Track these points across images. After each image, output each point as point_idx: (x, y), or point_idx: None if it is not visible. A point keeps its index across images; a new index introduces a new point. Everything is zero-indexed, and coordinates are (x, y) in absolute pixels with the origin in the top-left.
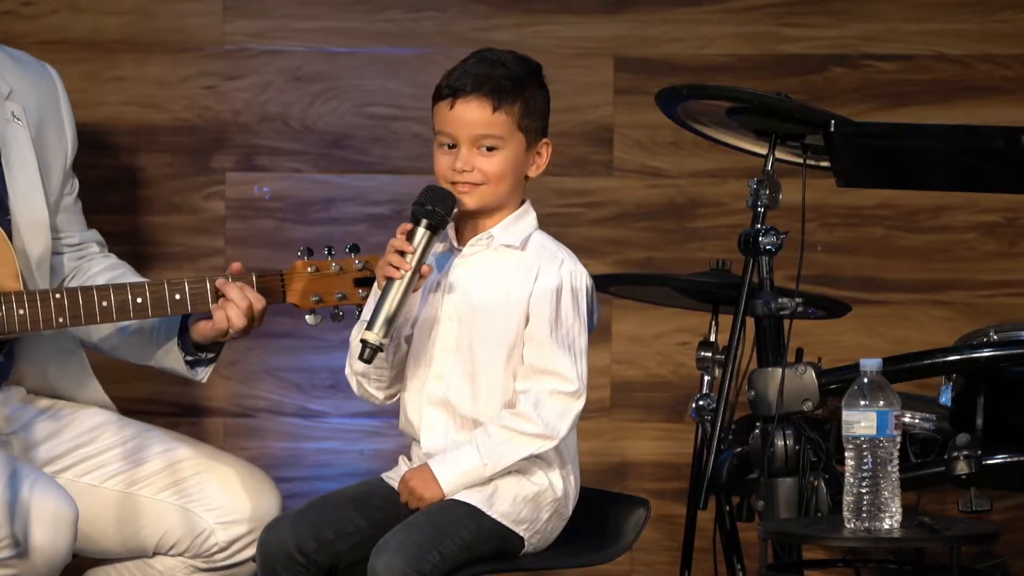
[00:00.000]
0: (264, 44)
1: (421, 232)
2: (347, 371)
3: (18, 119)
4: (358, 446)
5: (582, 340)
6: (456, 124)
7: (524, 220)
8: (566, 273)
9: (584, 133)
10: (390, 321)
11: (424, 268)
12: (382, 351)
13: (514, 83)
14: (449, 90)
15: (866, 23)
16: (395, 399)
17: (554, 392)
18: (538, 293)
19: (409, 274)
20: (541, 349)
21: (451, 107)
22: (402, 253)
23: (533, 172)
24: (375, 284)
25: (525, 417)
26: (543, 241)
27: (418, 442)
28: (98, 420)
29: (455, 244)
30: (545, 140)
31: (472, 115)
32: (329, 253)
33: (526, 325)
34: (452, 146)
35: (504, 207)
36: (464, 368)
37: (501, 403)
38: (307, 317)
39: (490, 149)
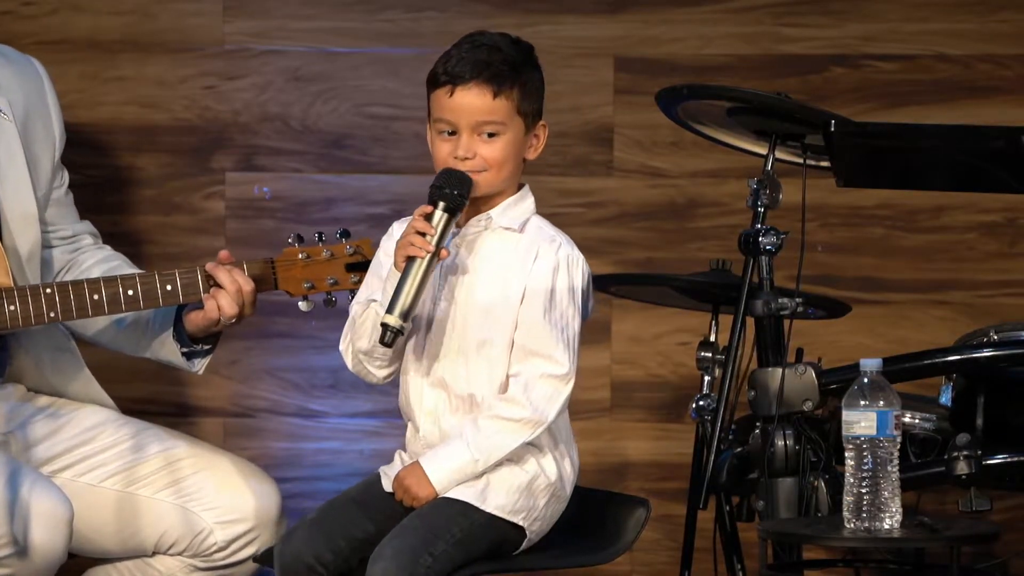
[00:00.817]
0: (264, 44)
1: (439, 214)
2: (342, 346)
3: (4, 114)
4: (358, 446)
5: (575, 324)
6: (457, 111)
7: (523, 204)
8: (563, 257)
9: (584, 133)
10: (411, 304)
11: (442, 252)
12: (403, 334)
13: (512, 68)
14: (448, 77)
15: (866, 23)
16: (391, 378)
17: (544, 375)
18: (535, 275)
19: (429, 255)
20: (533, 330)
21: (451, 94)
22: (422, 235)
23: (531, 155)
24: (371, 270)
25: (514, 402)
26: (541, 225)
27: (415, 425)
28: (97, 419)
29: (454, 225)
30: (542, 123)
31: (473, 102)
32: (320, 239)
33: (520, 307)
34: (452, 133)
35: (504, 190)
36: (460, 348)
37: (496, 384)
38: (300, 304)
39: (491, 135)
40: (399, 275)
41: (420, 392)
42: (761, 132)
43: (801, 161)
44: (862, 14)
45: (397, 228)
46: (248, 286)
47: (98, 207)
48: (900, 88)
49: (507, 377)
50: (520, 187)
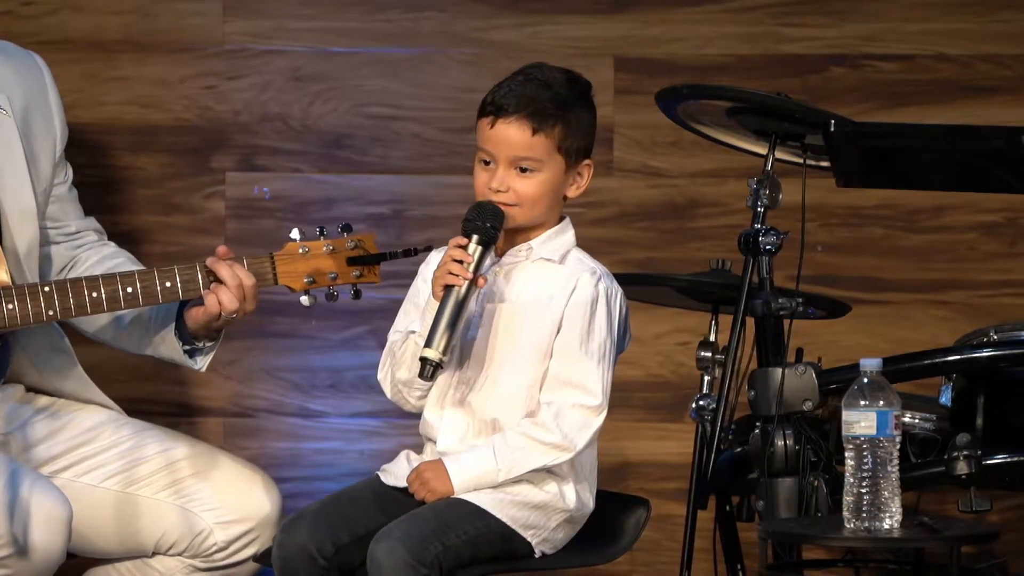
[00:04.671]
0: (264, 44)
1: (473, 247)
2: (380, 375)
3: (3, 109)
4: (358, 446)
5: (611, 357)
6: (495, 143)
7: (563, 236)
8: (602, 289)
9: None
10: (450, 337)
11: (480, 280)
12: (443, 368)
13: (557, 106)
14: (492, 108)
15: (866, 23)
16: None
17: (576, 405)
18: (573, 305)
19: (467, 285)
20: (569, 361)
21: (491, 126)
22: (459, 263)
23: (573, 192)
24: (408, 297)
25: (544, 426)
26: (581, 257)
27: (434, 443)
28: (97, 420)
29: (493, 254)
30: (587, 161)
31: (511, 136)
32: (321, 233)
33: (556, 336)
34: (489, 163)
35: (543, 223)
36: (489, 375)
37: (523, 412)
38: (302, 299)
39: (525, 170)
40: (437, 305)
41: (444, 415)
42: (761, 132)
43: (801, 161)
44: (862, 14)
45: (435, 256)
46: (249, 280)
47: (98, 207)
48: (900, 88)
49: (537, 405)
50: (561, 219)
